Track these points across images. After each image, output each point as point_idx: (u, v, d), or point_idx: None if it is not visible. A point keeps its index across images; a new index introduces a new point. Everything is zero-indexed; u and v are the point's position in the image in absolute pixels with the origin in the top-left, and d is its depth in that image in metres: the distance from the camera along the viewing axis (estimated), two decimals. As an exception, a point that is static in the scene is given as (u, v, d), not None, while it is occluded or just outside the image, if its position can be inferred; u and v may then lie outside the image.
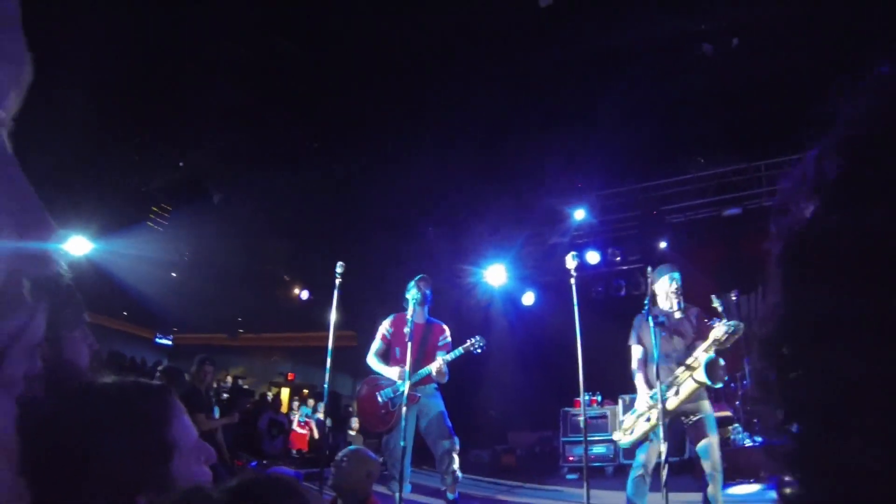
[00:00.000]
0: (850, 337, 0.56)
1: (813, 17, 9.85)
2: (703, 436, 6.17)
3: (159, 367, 7.45)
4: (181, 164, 14.03)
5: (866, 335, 0.55)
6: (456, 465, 6.93)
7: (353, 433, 14.38)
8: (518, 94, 11.71)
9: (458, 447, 6.97)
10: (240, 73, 11.07)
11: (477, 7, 9.68)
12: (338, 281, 7.18)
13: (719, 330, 6.07)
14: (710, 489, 6.05)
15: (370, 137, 12.70)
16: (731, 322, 6.08)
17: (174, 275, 17.96)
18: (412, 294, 7.15)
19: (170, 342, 24.64)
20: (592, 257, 14.78)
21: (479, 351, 7.08)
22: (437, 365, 6.87)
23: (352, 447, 5.22)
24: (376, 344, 7.35)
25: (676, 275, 6.73)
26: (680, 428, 6.48)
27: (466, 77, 11.11)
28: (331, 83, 11.40)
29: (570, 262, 6.38)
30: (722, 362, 6.08)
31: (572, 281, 6.41)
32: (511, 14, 9.96)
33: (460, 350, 7.00)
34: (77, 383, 1.73)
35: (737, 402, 10.65)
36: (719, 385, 6.20)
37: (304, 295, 18.10)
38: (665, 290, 6.71)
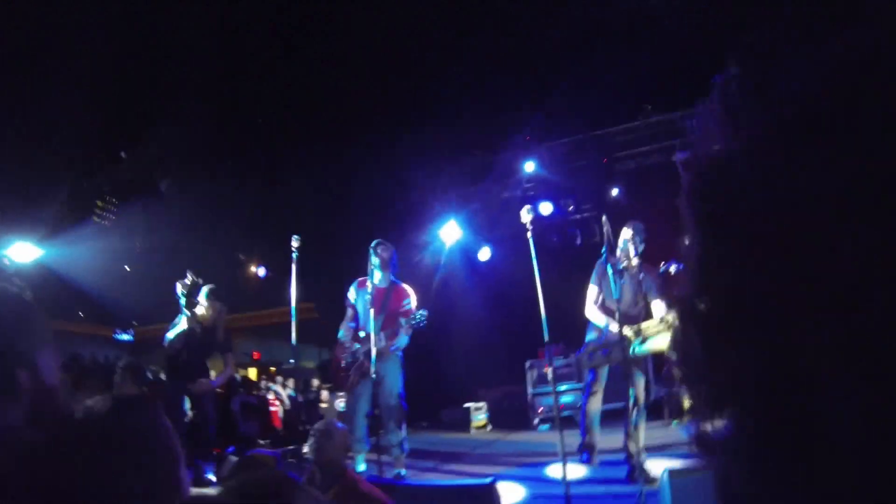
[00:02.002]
0: (770, 305, 0.49)
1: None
2: None
3: (119, 364, 7.29)
4: (123, 154, 13.74)
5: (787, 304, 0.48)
6: (402, 436, 7.07)
7: (324, 405, 14.37)
8: (462, 41, 11.57)
9: (404, 416, 7.13)
10: (186, 51, 10.80)
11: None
12: (294, 255, 7.10)
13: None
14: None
15: (318, 106, 12.51)
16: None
17: (127, 268, 17.63)
18: (371, 260, 7.20)
19: (130, 337, 24.24)
20: (545, 208, 14.76)
21: (422, 325, 7.08)
22: (382, 342, 6.89)
23: (322, 421, 5.26)
24: (347, 314, 7.50)
25: (636, 226, 6.91)
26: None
27: (412, 32, 10.96)
28: (275, 51, 11.19)
29: (525, 215, 6.38)
30: None
31: (528, 235, 6.41)
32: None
33: (402, 323, 7.08)
34: (66, 416, 1.67)
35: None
36: None
37: (262, 272, 17.90)
38: (625, 238, 6.84)
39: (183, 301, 7.97)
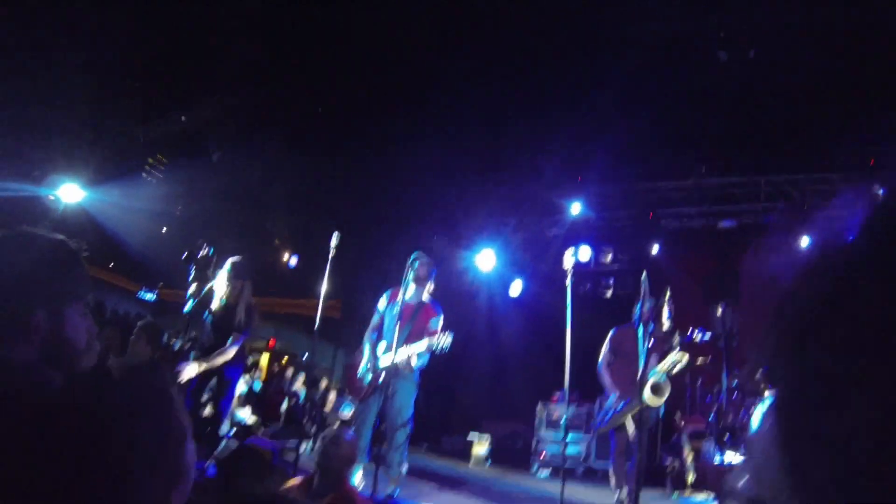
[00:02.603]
0: None
1: (830, 42, 9.86)
2: None
3: (139, 323, 7.30)
4: (183, 117, 13.90)
5: None
6: (403, 455, 6.96)
7: (328, 408, 14.33)
8: (526, 81, 11.63)
9: (407, 436, 7.00)
10: (250, 29, 10.97)
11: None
12: (331, 254, 7.11)
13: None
14: None
15: (375, 115, 12.61)
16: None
17: (165, 229, 17.82)
18: (408, 272, 7.12)
19: (153, 296, 24.48)
20: (584, 253, 14.58)
21: (443, 351, 6.88)
22: (400, 357, 6.80)
23: (334, 428, 5.24)
24: (373, 321, 7.40)
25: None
26: None
27: (472, 61, 11.03)
28: (341, 57, 11.30)
29: (568, 260, 6.34)
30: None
31: (568, 281, 6.37)
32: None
33: (425, 345, 6.85)
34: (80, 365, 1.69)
35: (711, 416, 10.65)
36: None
37: (293, 261, 17.96)
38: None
39: (193, 273, 7.44)
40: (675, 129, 12.58)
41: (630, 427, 6.61)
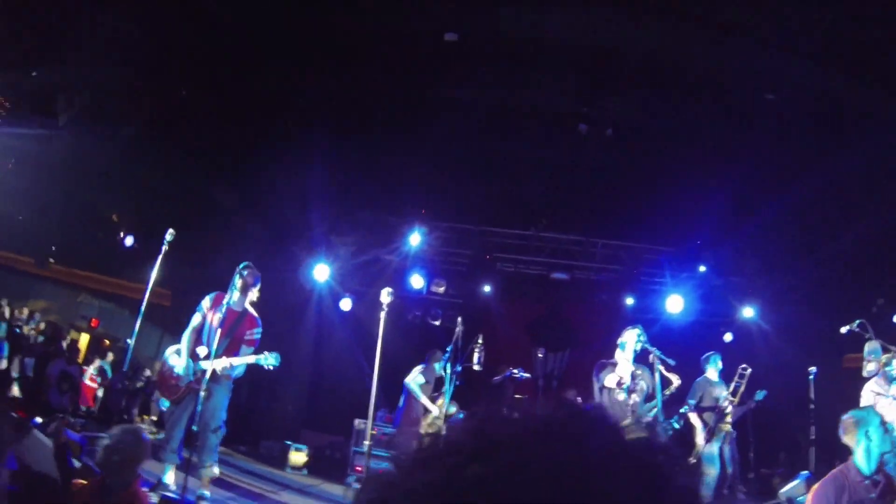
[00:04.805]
0: None
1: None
2: None
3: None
4: (34, 72, 13.20)
5: None
6: (214, 458, 7.08)
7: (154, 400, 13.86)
8: (383, 107, 11.74)
9: (219, 440, 7.11)
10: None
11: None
12: (164, 248, 7.17)
13: None
14: None
15: (230, 123, 12.39)
16: None
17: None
18: (235, 279, 7.24)
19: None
20: (417, 282, 15.11)
21: (269, 368, 7.18)
22: (220, 365, 6.93)
23: (126, 426, 4.95)
24: (194, 319, 7.37)
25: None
26: None
27: (326, 79, 11.09)
28: (211, 56, 11.13)
29: (385, 297, 6.62)
30: None
31: (382, 314, 6.66)
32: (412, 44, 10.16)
33: (252, 360, 7.09)
34: None
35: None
36: None
37: (129, 241, 17.19)
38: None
39: None
40: (525, 183, 13.21)
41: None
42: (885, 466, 4.77)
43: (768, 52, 9.25)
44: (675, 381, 7.38)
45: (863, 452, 4.45)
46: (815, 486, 4.77)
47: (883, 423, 4.54)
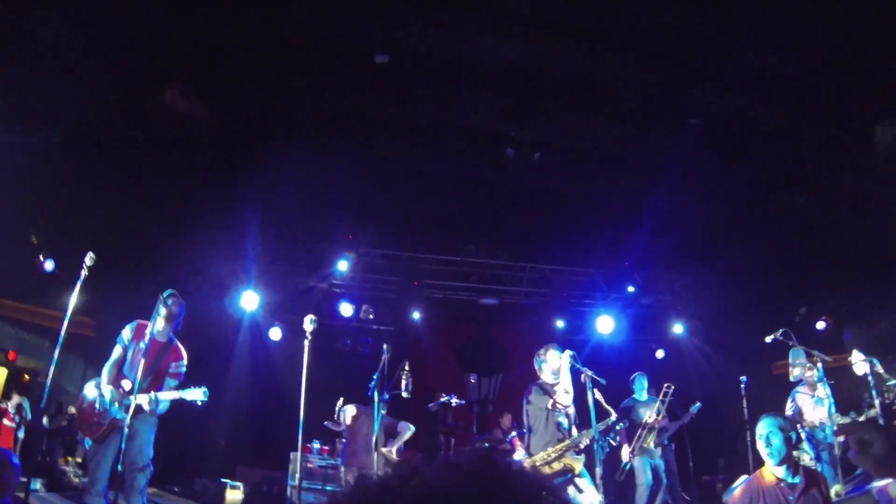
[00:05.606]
0: None
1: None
2: None
3: None
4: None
5: None
6: (143, 502, 6.69)
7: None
8: (323, 138, 11.63)
9: (148, 480, 6.74)
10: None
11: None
12: (84, 273, 6.82)
13: None
14: None
15: (156, 139, 12.05)
16: None
17: None
18: (159, 308, 6.90)
19: None
20: (346, 309, 15.00)
21: (198, 404, 6.84)
22: (146, 400, 6.56)
23: None
24: (115, 352, 7.02)
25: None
26: None
27: (251, 103, 10.94)
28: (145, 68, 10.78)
29: (308, 324, 6.48)
30: None
31: (306, 343, 6.52)
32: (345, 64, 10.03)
33: (177, 395, 6.76)
34: None
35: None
36: None
37: (49, 265, 16.33)
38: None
39: None
40: (453, 208, 13.23)
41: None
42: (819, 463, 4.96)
43: (693, 78, 9.50)
44: (613, 414, 7.40)
45: (768, 458, 4.72)
46: (733, 494, 5.10)
47: (787, 426, 4.77)
